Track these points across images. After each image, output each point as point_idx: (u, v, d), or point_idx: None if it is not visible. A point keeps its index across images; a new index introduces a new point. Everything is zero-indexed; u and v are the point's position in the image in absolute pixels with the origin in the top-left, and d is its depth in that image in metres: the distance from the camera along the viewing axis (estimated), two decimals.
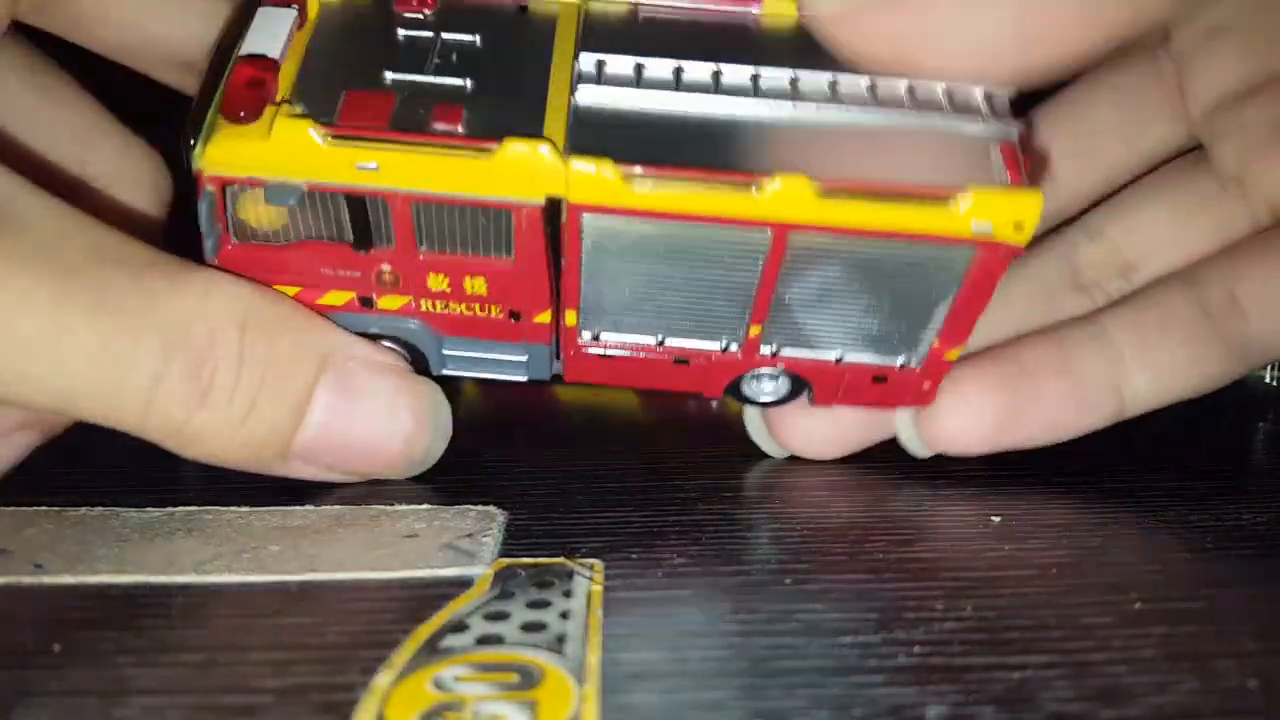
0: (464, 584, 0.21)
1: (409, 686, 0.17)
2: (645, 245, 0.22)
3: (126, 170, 0.31)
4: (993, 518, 0.26)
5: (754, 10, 0.24)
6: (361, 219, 0.22)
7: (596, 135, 0.21)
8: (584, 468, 0.29)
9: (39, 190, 0.22)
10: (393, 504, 0.25)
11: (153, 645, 0.19)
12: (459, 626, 0.19)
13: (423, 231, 0.23)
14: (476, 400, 0.36)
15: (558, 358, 0.26)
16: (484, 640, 0.19)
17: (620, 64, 0.22)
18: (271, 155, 0.21)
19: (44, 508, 0.25)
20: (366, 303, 0.24)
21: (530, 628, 0.19)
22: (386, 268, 0.24)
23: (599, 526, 0.25)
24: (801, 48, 0.23)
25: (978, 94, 0.22)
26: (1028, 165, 0.22)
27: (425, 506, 0.25)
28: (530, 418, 0.34)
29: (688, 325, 0.25)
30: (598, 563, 0.22)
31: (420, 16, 0.24)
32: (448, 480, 0.27)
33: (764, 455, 0.29)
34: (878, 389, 0.26)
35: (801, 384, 0.26)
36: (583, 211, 0.21)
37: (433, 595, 0.21)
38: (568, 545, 0.23)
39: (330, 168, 0.21)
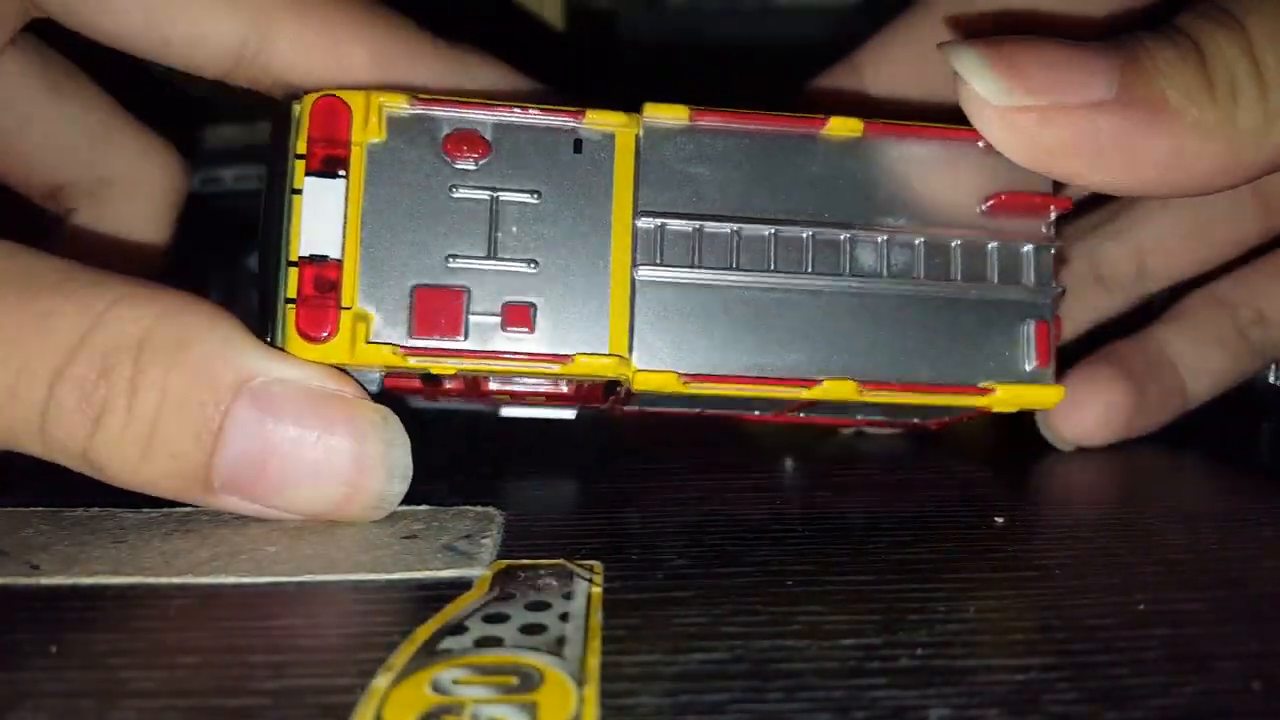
0: (463, 585, 0.21)
1: (407, 689, 0.17)
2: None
3: (142, 170, 0.31)
4: (996, 519, 0.26)
5: (818, 130, 0.24)
6: (434, 378, 0.25)
7: (657, 329, 0.23)
8: (584, 468, 0.29)
9: None
10: None
11: (149, 647, 0.19)
12: (457, 628, 0.19)
13: (493, 384, 0.25)
14: None
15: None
16: (483, 642, 0.19)
17: (678, 234, 0.24)
18: (354, 363, 0.23)
19: (40, 508, 0.25)
20: (431, 399, 0.28)
21: (529, 630, 0.19)
22: (456, 396, 0.26)
23: (599, 527, 0.25)
24: (861, 189, 0.24)
25: (1026, 251, 0.25)
26: (1056, 337, 0.25)
27: (423, 507, 0.25)
28: (529, 418, 0.34)
29: (724, 411, 0.28)
30: (597, 564, 0.22)
31: (473, 165, 0.23)
32: (446, 481, 0.27)
33: (763, 455, 0.29)
34: (885, 424, 0.30)
35: None
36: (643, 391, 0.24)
37: (431, 597, 0.21)
38: (567, 546, 0.23)
39: (411, 369, 0.23)
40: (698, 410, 0.27)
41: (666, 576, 0.22)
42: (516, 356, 0.23)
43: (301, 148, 0.23)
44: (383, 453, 0.23)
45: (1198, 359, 0.31)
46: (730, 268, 0.24)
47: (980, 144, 0.24)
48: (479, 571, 0.22)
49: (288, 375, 0.22)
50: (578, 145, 0.24)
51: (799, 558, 0.23)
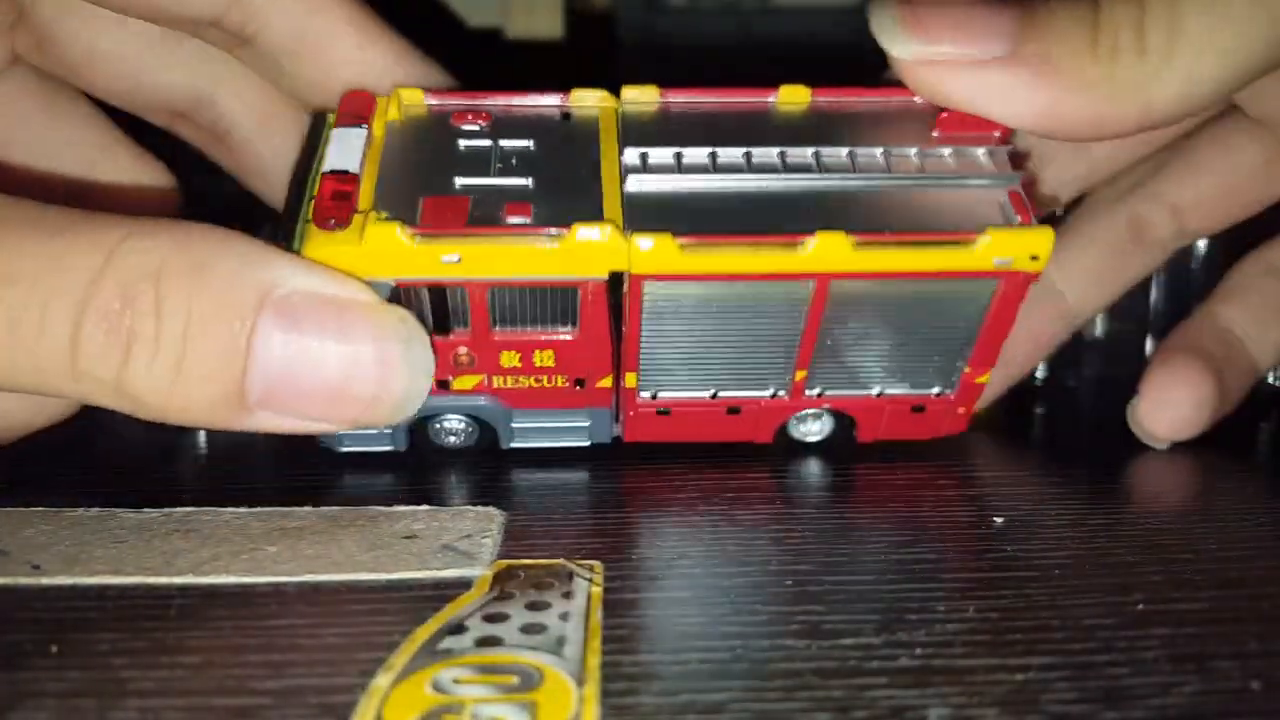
0: (463, 585, 0.21)
1: (407, 688, 0.17)
2: (699, 304, 0.25)
3: (135, 188, 0.31)
4: (995, 519, 0.26)
5: (770, 99, 0.27)
6: (441, 307, 0.25)
7: (648, 215, 0.24)
8: (583, 468, 0.29)
9: None
10: (391, 505, 0.25)
11: (150, 646, 0.19)
12: (458, 628, 0.19)
13: (496, 314, 0.25)
14: None
15: (617, 420, 0.28)
16: (483, 642, 0.19)
17: (661, 154, 0.25)
18: (364, 257, 0.23)
19: (42, 508, 0.25)
20: (443, 385, 0.26)
21: (529, 629, 0.19)
22: (463, 350, 0.26)
23: (599, 527, 0.25)
24: (819, 128, 0.26)
25: (981, 153, 0.26)
26: (1033, 207, 0.25)
27: (424, 507, 0.25)
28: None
29: (738, 377, 0.27)
30: (597, 564, 0.22)
31: (478, 128, 0.26)
32: (446, 481, 0.27)
33: (763, 456, 0.29)
34: (916, 418, 0.29)
35: (846, 420, 0.29)
36: (644, 280, 0.24)
37: (431, 597, 0.21)
38: (567, 546, 0.23)
39: (418, 263, 0.23)
40: (707, 397, 0.27)
41: (666, 576, 0.22)
42: (517, 230, 0.23)
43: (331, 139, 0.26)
44: (404, 351, 0.23)
45: (1262, 333, 0.31)
46: (711, 170, 0.25)
47: (918, 99, 0.26)
48: (479, 571, 0.22)
49: (307, 285, 0.23)
50: (566, 116, 0.27)
51: (798, 557, 0.23)
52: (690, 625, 0.20)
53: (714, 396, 0.27)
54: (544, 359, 0.26)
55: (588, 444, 0.28)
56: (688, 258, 0.23)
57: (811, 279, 0.24)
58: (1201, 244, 0.41)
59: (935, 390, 0.28)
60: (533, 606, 0.20)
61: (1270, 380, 0.39)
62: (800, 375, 0.27)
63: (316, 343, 0.22)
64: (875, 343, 0.27)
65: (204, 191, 0.33)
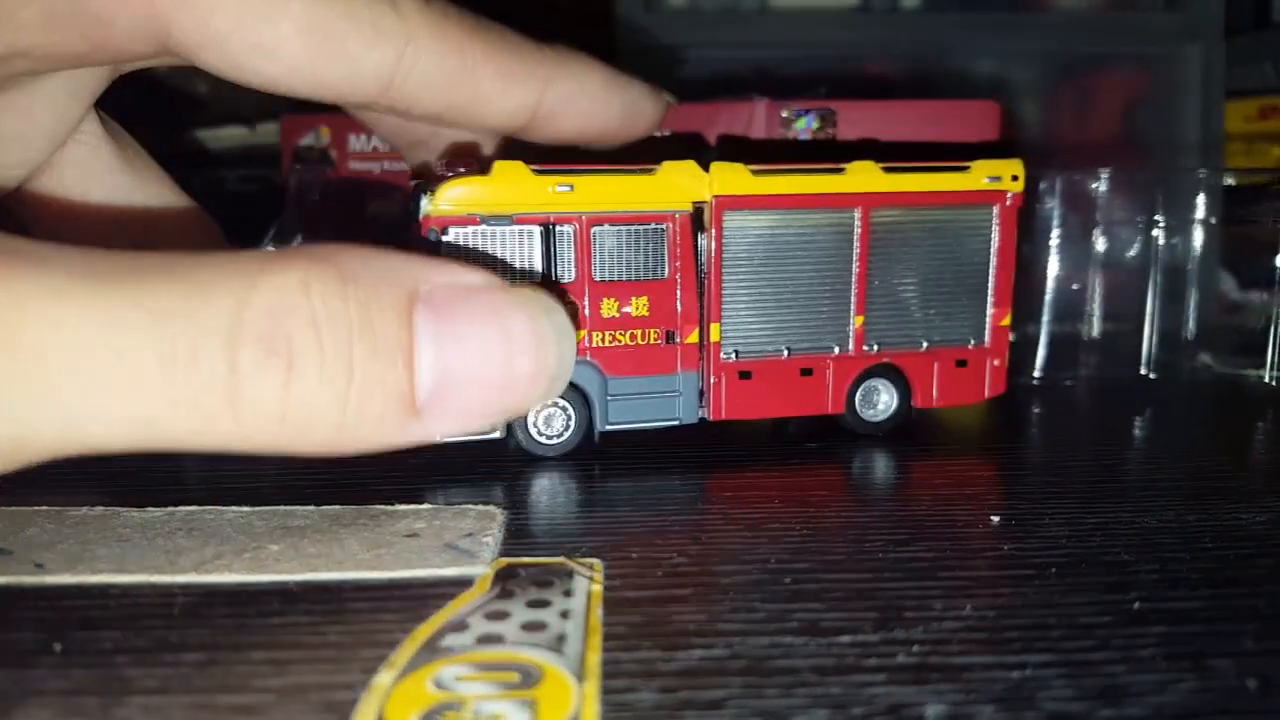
0: (464, 583, 0.21)
1: (409, 686, 0.17)
2: (768, 239, 0.29)
3: (186, 239, 0.32)
4: (992, 517, 0.26)
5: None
6: (549, 250, 0.28)
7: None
8: (584, 467, 0.29)
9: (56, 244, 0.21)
10: (393, 504, 0.25)
11: (153, 645, 0.19)
12: (459, 626, 0.19)
13: (598, 260, 0.28)
14: None
15: (702, 396, 0.30)
16: (484, 639, 0.19)
17: None
18: (489, 190, 0.27)
19: (45, 507, 0.25)
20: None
21: (530, 627, 0.19)
22: (568, 299, 0.28)
23: (599, 526, 0.25)
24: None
25: None
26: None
27: (425, 506, 0.25)
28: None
29: (806, 326, 0.31)
30: (597, 562, 0.23)
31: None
32: (448, 480, 0.27)
33: (761, 455, 0.29)
34: (963, 375, 0.32)
35: (904, 390, 0.32)
36: (724, 208, 0.29)
37: (433, 595, 0.21)
38: (568, 545, 0.24)
39: (535, 193, 0.28)
40: (782, 355, 0.30)
41: (666, 574, 0.22)
42: (614, 164, 0.28)
43: None
44: (549, 320, 0.23)
45: None
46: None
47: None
48: (480, 569, 0.22)
49: (447, 279, 0.22)
50: None
51: (797, 555, 0.23)
52: (689, 623, 0.20)
53: (788, 354, 0.30)
54: (640, 306, 0.29)
55: (678, 421, 0.30)
56: (757, 180, 0.28)
57: (856, 207, 0.30)
58: (1197, 247, 0.42)
59: (971, 341, 0.32)
60: (533, 604, 0.20)
61: (1268, 380, 0.39)
62: (859, 322, 0.31)
63: (473, 327, 0.22)
64: (914, 286, 0.31)
65: None
